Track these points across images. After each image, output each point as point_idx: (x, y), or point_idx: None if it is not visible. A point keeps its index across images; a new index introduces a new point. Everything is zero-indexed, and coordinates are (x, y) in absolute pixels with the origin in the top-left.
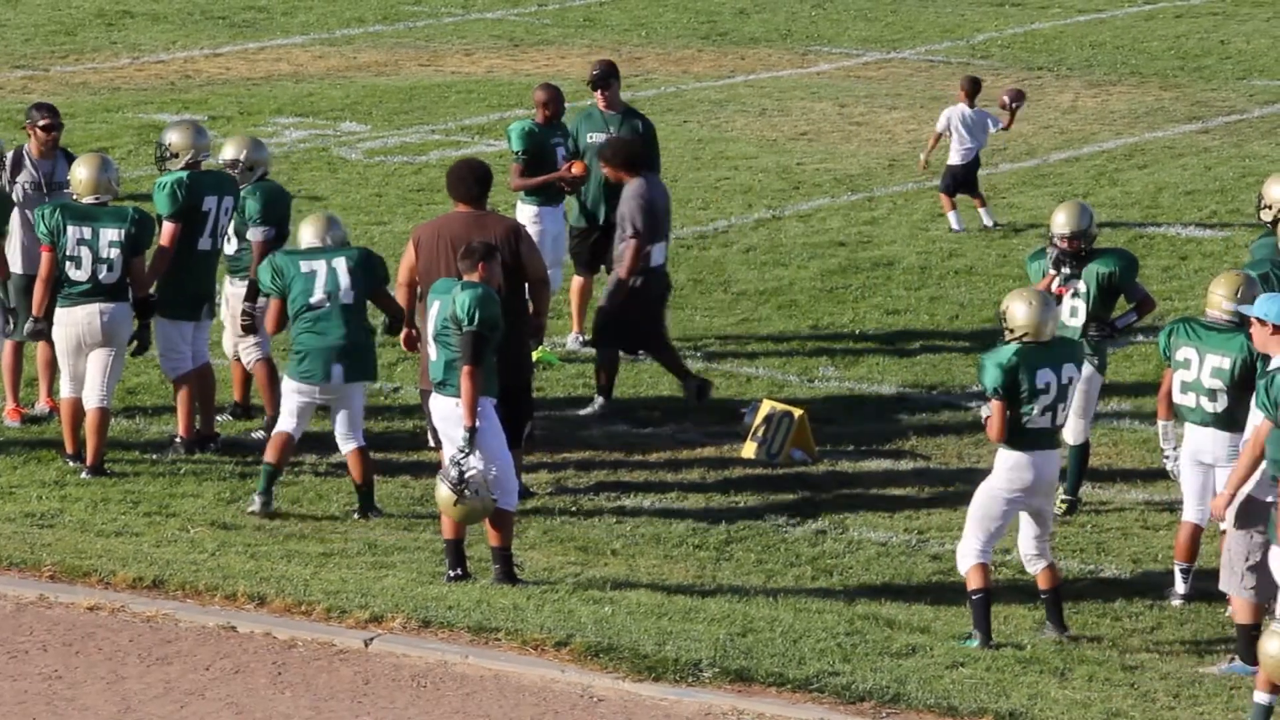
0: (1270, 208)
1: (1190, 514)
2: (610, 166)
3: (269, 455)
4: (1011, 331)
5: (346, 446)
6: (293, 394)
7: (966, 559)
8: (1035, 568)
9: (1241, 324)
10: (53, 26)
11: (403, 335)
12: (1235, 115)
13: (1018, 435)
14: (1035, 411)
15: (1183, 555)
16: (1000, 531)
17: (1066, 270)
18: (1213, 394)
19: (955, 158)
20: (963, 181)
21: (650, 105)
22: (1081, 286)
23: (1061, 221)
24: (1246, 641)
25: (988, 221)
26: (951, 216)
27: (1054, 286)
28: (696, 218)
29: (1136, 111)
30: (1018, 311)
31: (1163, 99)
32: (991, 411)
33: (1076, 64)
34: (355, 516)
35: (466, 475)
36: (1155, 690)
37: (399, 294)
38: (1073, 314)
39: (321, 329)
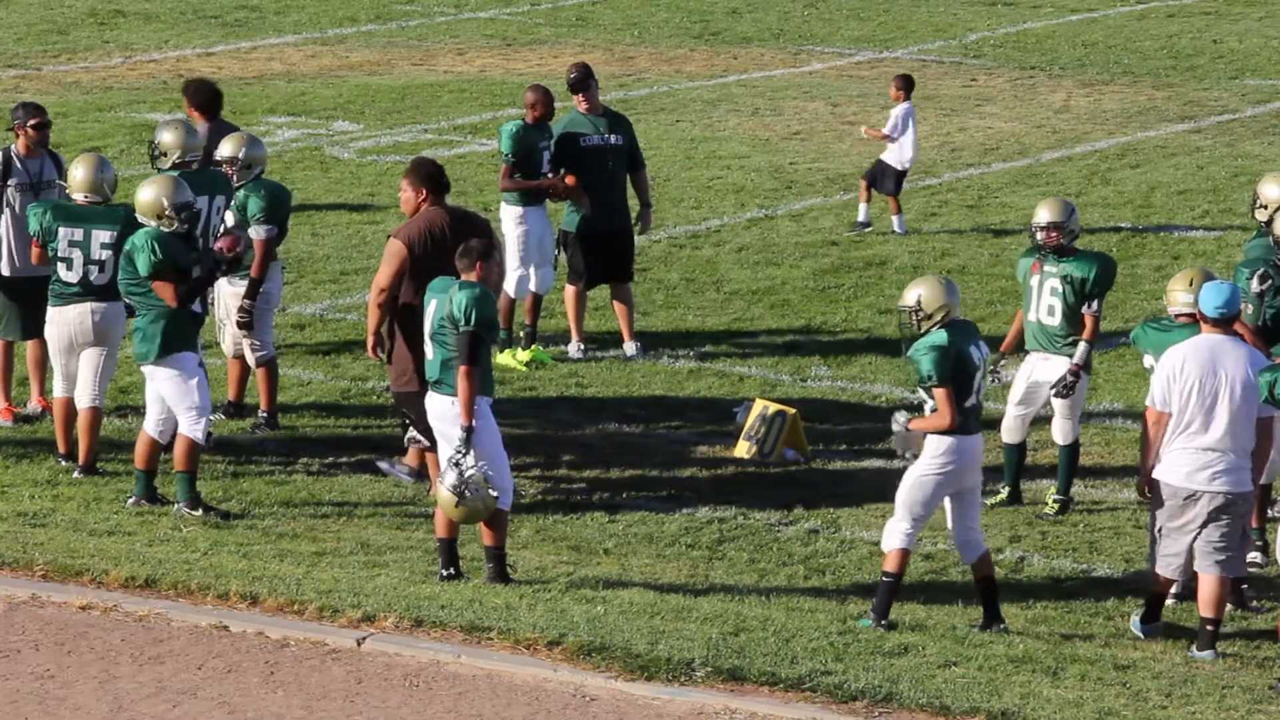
0: (1265, 207)
1: None
2: (190, 104)
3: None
4: (930, 318)
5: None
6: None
7: (890, 539)
8: (970, 556)
9: (1194, 320)
10: (45, 25)
11: (369, 345)
12: (1228, 115)
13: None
14: (971, 391)
15: None
16: (928, 516)
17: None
18: None
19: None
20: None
21: (643, 105)
22: (1058, 285)
23: (1042, 213)
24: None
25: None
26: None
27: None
28: (689, 217)
29: (1129, 111)
30: (932, 294)
31: (1155, 98)
32: (939, 401)
33: (1069, 63)
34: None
35: (466, 475)
36: (1147, 689)
37: (379, 299)
38: (1050, 313)
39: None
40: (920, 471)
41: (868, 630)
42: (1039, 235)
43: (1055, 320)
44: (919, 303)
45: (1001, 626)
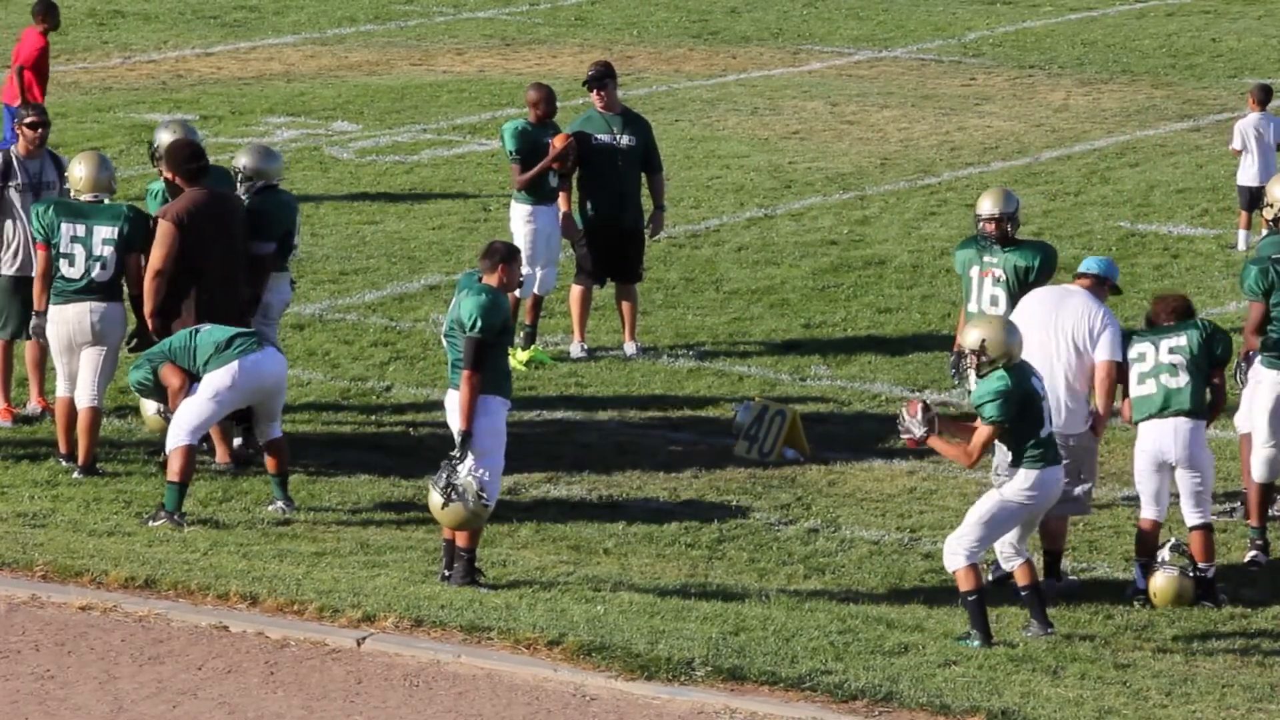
0: (1271, 205)
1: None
2: None
3: (186, 475)
4: (993, 362)
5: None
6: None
7: (956, 558)
8: (1012, 564)
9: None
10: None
11: (151, 326)
12: (1227, 113)
13: (1034, 450)
14: (1043, 422)
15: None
16: (996, 539)
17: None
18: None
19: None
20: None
21: (642, 104)
22: (1001, 274)
23: (985, 204)
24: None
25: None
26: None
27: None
28: (688, 216)
29: (1128, 110)
30: (996, 337)
31: (1154, 97)
32: (981, 438)
33: (1068, 62)
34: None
35: (459, 479)
36: (1147, 688)
37: (155, 283)
38: (993, 303)
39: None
40: (1006, 498)
41: (969, 649)
42: (981, 225)
43: (1000, 310)
44: (983, 345)
45: (1052, 630)
